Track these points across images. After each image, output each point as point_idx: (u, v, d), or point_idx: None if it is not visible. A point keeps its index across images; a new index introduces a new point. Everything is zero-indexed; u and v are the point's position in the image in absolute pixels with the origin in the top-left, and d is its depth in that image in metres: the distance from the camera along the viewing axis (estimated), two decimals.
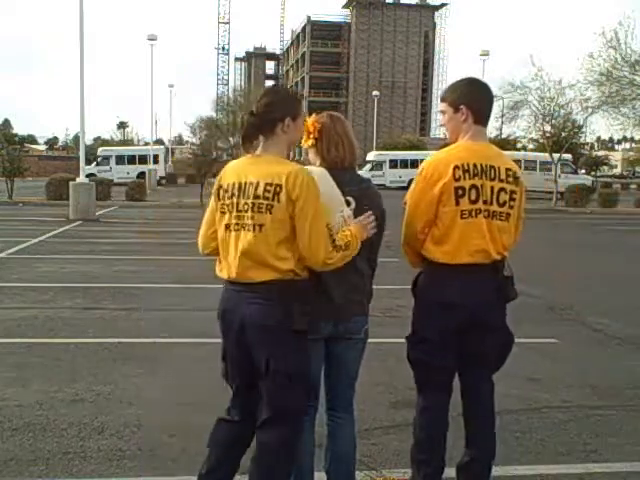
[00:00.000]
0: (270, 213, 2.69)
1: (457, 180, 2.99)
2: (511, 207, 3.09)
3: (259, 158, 2.80)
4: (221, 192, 2.82)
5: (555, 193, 29.30)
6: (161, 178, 42.60)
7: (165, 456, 3.78)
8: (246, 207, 2.72)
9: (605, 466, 3.82)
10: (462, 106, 3.08)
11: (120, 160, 43.11)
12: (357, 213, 2.87)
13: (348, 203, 2.86)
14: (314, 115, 3.03)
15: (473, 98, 3.10)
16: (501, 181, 3.06)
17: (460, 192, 2.99)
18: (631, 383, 5.28)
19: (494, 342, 3.16)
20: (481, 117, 3.11)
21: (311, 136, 2.97)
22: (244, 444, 2.96)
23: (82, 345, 5.96)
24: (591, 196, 29.97)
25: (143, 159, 42.09)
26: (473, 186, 2.99)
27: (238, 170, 2.81)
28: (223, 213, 2.80)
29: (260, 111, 2.78)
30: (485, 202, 3.03)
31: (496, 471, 3.70)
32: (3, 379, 5.03)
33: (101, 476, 3.55)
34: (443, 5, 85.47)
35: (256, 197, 2.70)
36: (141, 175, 37.80)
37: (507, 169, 3.09)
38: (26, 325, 6.65)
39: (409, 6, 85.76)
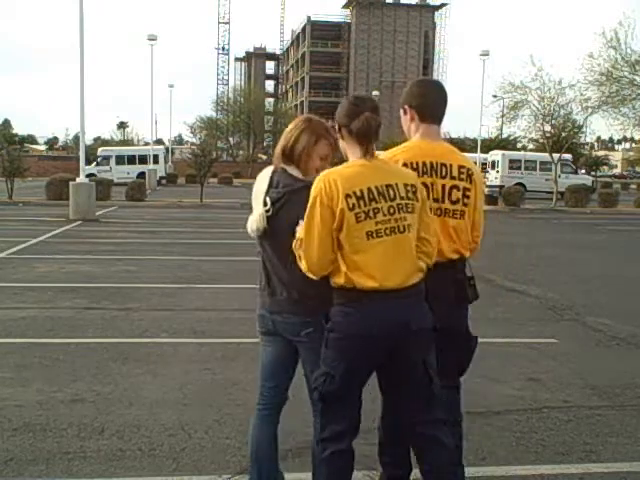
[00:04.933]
0: (413, 213, 2.74)
1: None
2: (465, 204, 3.08)
3: (376, 160, 2.77)
4: (352, 200, 2.65)
5: (555, 193, 29.28)
6: (161, 178, 42.57)
7: (165, 456, 3.78)
8: (392, 210, 2.70)
9: (605, 466, 3.81)
10: (406, 106, 3.13)
11: (120, 160, 43.05)
12: (274, 216, 2.84)
13: (265, 204, 2.86)
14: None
15: (415, 97, 3.13)
16: (453, 178, 3.05)
17: None
18: (631, 383, 5.27)
19: (453, 346, 3.08)
20: (427, 115, 3.12)
21: None
22: None
23: (82, 345, 5.96)
24: (591, 196, 29.98)
25: (143, 159, 42.03)
26: (422, 184, 2.97)
27: (365, 175, 2.71)
28: (360, 221, 2.67)
29: (379, 115, 2.79)
30: (436, 200, 3.03)
31: (496, 471, 3.71)
32: (3, 379, 5.02)
33: (101, 476, 3.54)
34: (443, 5, 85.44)
35: (402, 198, 2.71)
36: (141, 175, 37.76)
37: (460, 166, 3.08)
38: (26, 325, 6.65)
39: (409, 6, 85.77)
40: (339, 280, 2.71)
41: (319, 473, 2.87)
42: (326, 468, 2.85)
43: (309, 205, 2.69)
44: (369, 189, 2.68)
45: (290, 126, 2.98)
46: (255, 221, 2.87)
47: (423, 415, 2.87)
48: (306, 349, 2.93)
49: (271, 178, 2.92)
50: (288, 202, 2.84)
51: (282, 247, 2.84)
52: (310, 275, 2.73)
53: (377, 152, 2.88)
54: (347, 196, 2.65)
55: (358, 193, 2.66)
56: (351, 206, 2.65)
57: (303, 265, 2.72)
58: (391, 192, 2.70)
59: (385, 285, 2.66)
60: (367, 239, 2.67)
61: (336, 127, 2.84)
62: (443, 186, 3.04)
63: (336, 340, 2.73)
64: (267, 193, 2.88)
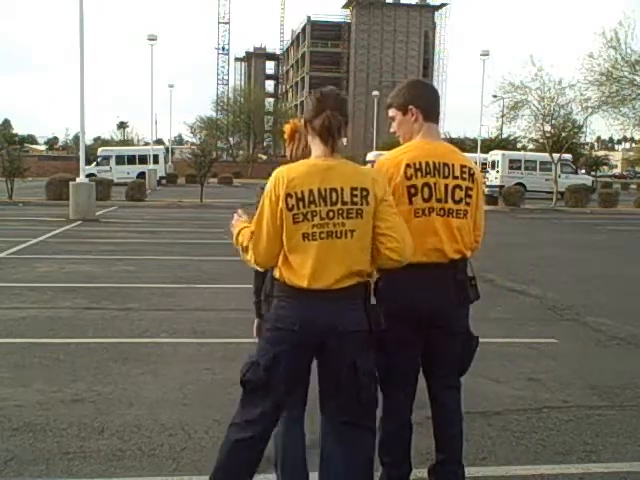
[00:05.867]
0: (361, 217, 2.70)
1: (409, 179, 2.99)
2: (467, 204, 3.09)
3: (331, 161, 2.73)
4: (291, 201, 2.66)
5: (555, 193, 29.28)
6: (161, 178, 42.55)
7: (165, 456, 3.78)
8: (331, 214, 2.67)
9: (605, 466, 3.81)
10: (410, 106, 3.11)
11: (120, 160, 43.03)
12: None
13: None
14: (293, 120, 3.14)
15: (419, 97, 3.14)
16: (455, 178, 3.06)
17: (412, 191, 3.00)
18: (631, 383, 5.27)
19: (454, 346, 3.11)
20: (431, 114, 3.14)
21: (286, 139, 3.06)
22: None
23: (82, 345, 5.96)
24: (591, 196, 29.98)
25: (143, 159, 42.01)
26: (426, 184, 2.98)
27: (311, 177, 2.69)
28: (297, 222, 2.67)
29: (345, 112, 2.78)
30: (439, 200, 3.03)
31: (496, 471, 3.72)
32: (3, 379, 5.02)
33: (101, 476, 3.55)
34: (443, 5, 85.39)
35: (344, 203, 2.67)
36: (141, 175, 37.75)
37: (462, 166, 3.09)
38: (26, 325, 6.65)
39: (409, 6, 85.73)
40: (275, 273, 2.78)
41: (220, 455, 2.86)
42: (227, 451, 2.84)
43: (262, 199, 2.74)
44: (310, 191, 2.66)
45: None
46: None
47: (339, 417, 2.82)
48: None
49: None
50: None
51: None
52: (256, 267, 2.83)
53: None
54: (288, 196, 2.66)
55: (299, 194, 2.66)
56: (290, 207, 2.66)
57: (249, 257, 2.77)
58: (334, 196, 2.67)
59: (313, 286, 2.68)
60: (303, 240, 2.68)
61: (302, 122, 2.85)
62: (446, 186, 3.04)
63: (266, 331, 2.81)
64: None
